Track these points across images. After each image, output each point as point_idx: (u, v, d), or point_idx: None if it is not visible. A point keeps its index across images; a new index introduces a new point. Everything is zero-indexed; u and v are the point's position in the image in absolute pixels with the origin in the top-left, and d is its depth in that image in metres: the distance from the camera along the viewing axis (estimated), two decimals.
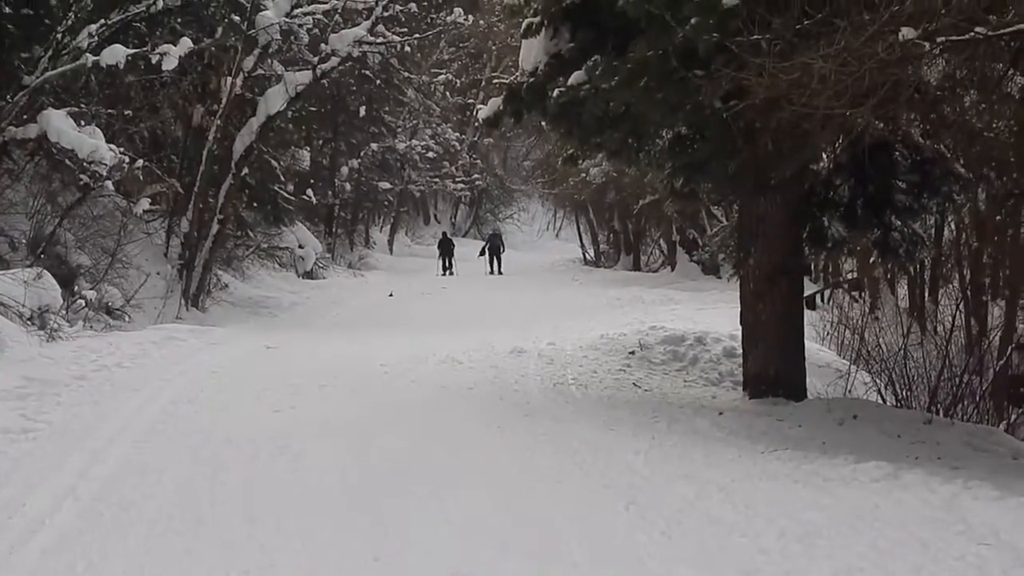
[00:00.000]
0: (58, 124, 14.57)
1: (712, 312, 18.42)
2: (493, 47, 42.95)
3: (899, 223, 10.72)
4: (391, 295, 24.72)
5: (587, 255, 41.96)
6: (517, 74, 10.60)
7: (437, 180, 44.34)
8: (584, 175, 31.87)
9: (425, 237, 49.25)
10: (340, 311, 21.73)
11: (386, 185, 38.56)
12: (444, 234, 37.64)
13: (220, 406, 9.39)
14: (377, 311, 21.77)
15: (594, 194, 34.85)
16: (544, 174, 42.32)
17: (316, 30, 20.58)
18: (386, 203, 42.36)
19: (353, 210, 38.35)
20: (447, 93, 40.82)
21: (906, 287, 19.58)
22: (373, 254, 37.83)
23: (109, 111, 17.13)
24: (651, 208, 32.48)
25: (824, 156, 10.83)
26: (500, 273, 34.75)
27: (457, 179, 45.96)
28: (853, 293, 20.54)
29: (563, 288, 27.51)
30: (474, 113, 38.45)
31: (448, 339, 14.83)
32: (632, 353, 13.15)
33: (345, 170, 34.70)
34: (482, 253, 35.63)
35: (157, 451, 7.49)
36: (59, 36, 15.59)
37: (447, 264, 34.56)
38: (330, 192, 33.39)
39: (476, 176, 47.93)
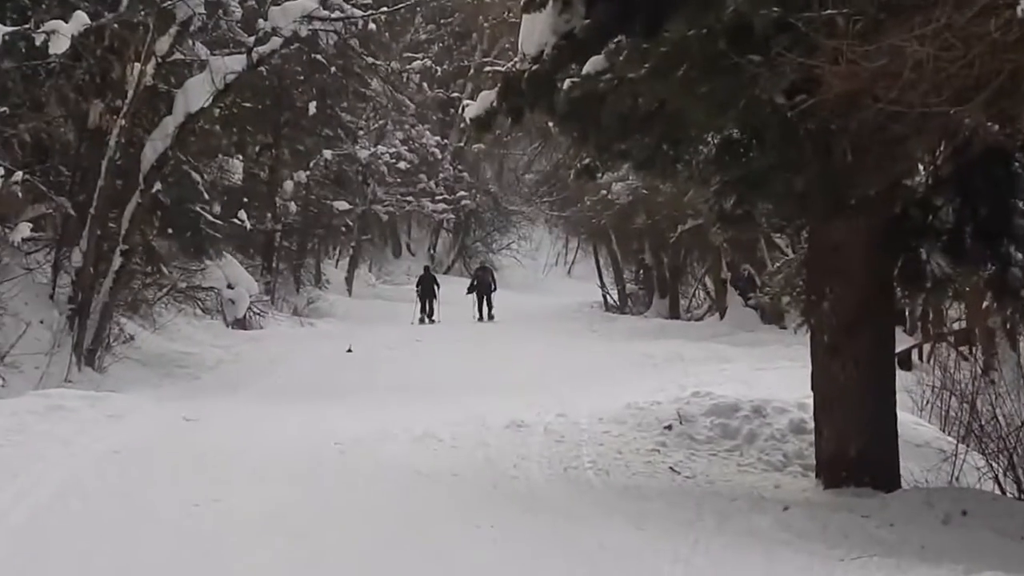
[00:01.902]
0: None
1: (774, 373, 18.38)
2: (485, 25, 43.31)
3: (1021, 256, 10.72)
4: (350, 350, 24.67)
5: (609, 298, 41.96)
6: (516, 60, 10.65)
7: (411, 199, 44.45)
8: (604, 193, 31.96)
9: (395, 273, 49.30)
10: (282, 372, 21.66)
11: (343, 205, 38.64)
12: (426, 269, 37.71)
13: (122, 498, 9.31)
14: (331, 372, 21.70)
15: (618, 218, 34.90)
16: (552, 191, 42.51)
17: (252, 2, 20.72)
18: (343, 229, 42.44)
19: (300, 238, 38.40)
20: (424, 84, 41.07)
21: None
22: (326, 296, 37.86)
23: None
24: (693, 236, 32.53)
25: (921, 168, 10.85)
26: (491, 319, 34.79)
27: (437, 197, 46.09)
28: (961, 349, 20.52)
29: (577, 341, 27.44)
30: (460, 111, 38.61)
31: (426, 409, 14.77)
32: (669, 428, 13.10)
33: (289, 185, 34.80)
34: (471, 290, 35.72)
35: (34, 563, 7.42)
36: None
37: (427, 309, 34.59)
38: (269, 215, 33.44)
39: (462, 194, 48.07)
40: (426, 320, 34.32)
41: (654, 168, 11.20)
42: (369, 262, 48.88)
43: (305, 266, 38.94)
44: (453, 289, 38.59)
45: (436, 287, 35.16)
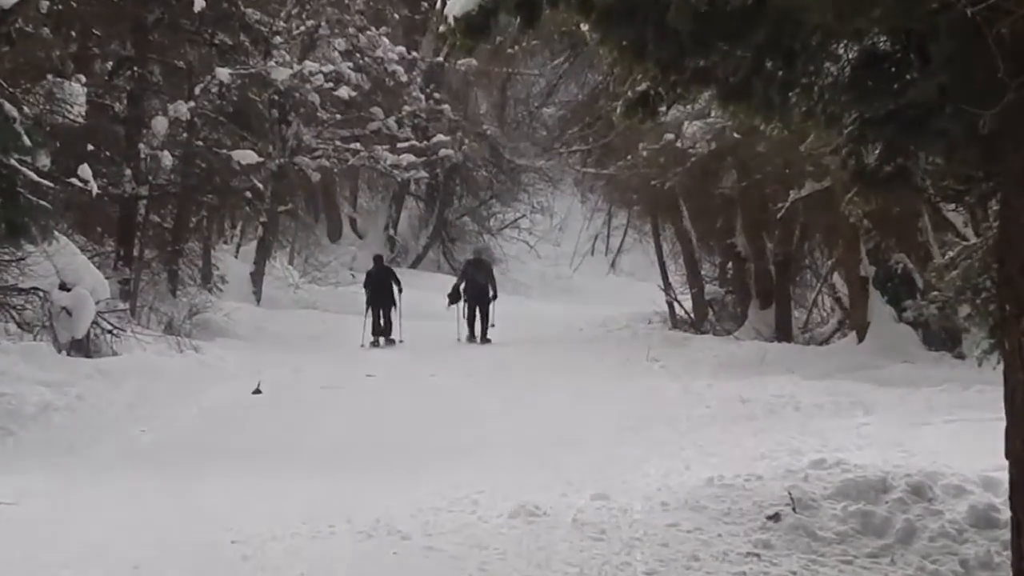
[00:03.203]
0: None
1: (945, 430, 18.41)
2: None
3: None
4: (258, 391, 24.77)
5: (679, 307, 42.06)
6: None
7: (358, 146, 44.48)
8: (671, 138, 31.98)
9: (332, 267, 49.35)
10: (149, 424, 21.71)
11: (249, 156, 38.55)
12: (377, 261, 37.69)
13: None
14: (229, 425, 21.76)
15: (693, 179, 34.95)
16: (586, 136, 42.52)
17: None
18: (248, 195, 42.40)
19: (179, 210, 38.41)
20: None
21: None
22: (221, 304, 37.88)
23: None
24: (814, 208, 32.54)
25: None
26: (487, 340, 34.82)
27: (401, 144, 46.11)
28: None
29: (627, 377, 27.49)
30: (437, 6, 38.46)
31: (381, 486, 14.83)
32: (775, 518, 13.15)
33: (162, 124, 34.80)
34: (455, 297, 35.74)
35: None
36: None
37: (382, 321, 34.65)
38: (129, 172, 33.48)
39: (441, 138, 48.12)
40: (381, 341, 34.36)
41: (751, 99, 11.20)
42: (290, 248, 49.01)
43: (186, 254, 38.93)
44: (427, 295, 38.65)
45: (396, 288, 35.07)
